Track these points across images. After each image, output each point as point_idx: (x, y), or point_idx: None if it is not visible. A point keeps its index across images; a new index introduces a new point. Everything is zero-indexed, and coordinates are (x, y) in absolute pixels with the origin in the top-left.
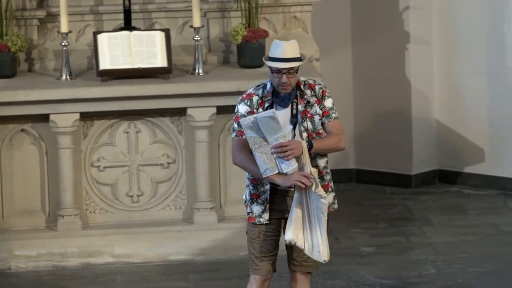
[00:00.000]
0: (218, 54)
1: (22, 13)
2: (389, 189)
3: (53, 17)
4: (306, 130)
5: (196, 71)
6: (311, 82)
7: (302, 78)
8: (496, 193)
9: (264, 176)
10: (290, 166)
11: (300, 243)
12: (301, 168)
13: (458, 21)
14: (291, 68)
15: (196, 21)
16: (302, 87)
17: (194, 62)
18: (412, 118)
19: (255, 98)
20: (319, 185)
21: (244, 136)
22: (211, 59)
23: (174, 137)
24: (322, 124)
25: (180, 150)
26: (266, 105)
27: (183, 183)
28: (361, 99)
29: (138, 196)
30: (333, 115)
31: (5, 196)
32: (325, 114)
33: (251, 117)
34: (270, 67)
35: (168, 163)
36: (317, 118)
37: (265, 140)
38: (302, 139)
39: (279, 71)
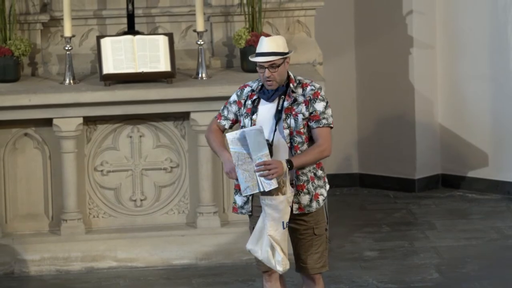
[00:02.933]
0: (221, 58)
1: (26, 17)
2: (392, 193)
3: (56, 21)
4: (289, 127)
5: (200, 75)
6: (306, 81)
7: (298, 77)
8: (499, 198)
9: (243, 195)
10: (271, 186)
11: (258, 254)
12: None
13: (461, 26)
14: (273, 63)
15: (200, 26)
16: (293, 84)
17: (198, 66)
18: (416, 122)
19: (246, 89)
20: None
21: (219, 121)
22: (214, 63)
23: (177, 141)
24: (310, 127)
25: (183, 154)
26: (254, 97)
27: (186, 187)
28: (364, 103)
29: (141, 200)
30: (324, 121)
31: (8, 200)
32: (315, 118)
33: (238, 131)
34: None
35: (171, 167)
36: (300, 117)
37: (249, 156)
38: (284, 135)
39: (261, 66)
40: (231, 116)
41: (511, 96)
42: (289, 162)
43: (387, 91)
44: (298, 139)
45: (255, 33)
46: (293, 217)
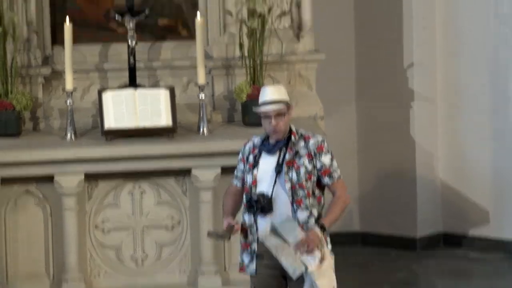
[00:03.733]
0: (222, 112)
1: (27, 70)
2: (394, 252)
3: (58, 74)
4: (290, 180)
5: (201, 130)
6: (308, 134)
7: (300, 130)
8: (501, 256)
9: (294, 277)
10: (315, 259)
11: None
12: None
13: (462, 79)
14: (279, 111)
15: (201, 79)
16: (295, 137)
17: (199, 121)
18: (417, 178)
19: (248, 145)
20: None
21: (232, 180)
22: (215, 117)
23: (178, 198)
24: (324, 183)
25: (184, 211)
26: (256, 152)
27: (188, 245)
28: (365, 158)
29: (142, 259)
30: (335, 174)
31: (9, 258)
32: (326, 172)
33: (268, 226)
34: (260, 114)
35: (173, 224)
36: (302, 170)
37: (286, 242)
38: (285, 189)
39: (267, 115)
40: (240, 174)
41: None
42: (321, 226)
43: (387, 145)
44: (300, 192)
45: (257, 87)
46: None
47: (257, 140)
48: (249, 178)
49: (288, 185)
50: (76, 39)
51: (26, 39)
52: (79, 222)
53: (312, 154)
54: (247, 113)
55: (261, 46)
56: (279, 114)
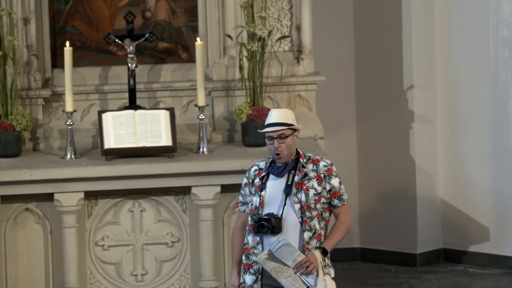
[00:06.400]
0: (222, 133)
1: (27, 93)
2: (394, 268)
3: (58, 96)
4: (299, 201)
5: (201, 149)
6: (316, 157)
7: (308, 154)
8: (501, 272)
9: None
10: (315, 277)
11: None
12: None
13: (462, 100)
14: (281, 133)
15: (201, 100)
16: (303, 159)
17: (199, 141)
18: (417, 197)
19: (253, 169)
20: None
21: (238, 209)
22: (215, 137)
23: (178, 215)
24: (333, 205)
25: (184, 229)
26: (263, 174)
27: (188, 262)
28: (365, 178)
29: (142, 275)
30: (344, 197)
31: (9, 275)
32: (336, 194)
33: (265, 251)
34: (265, 137)
35: (173, 242)
36: (312, 192)
37: (285, 264)
38: (294, 210)
39: (270, 137)
40: (246, 199)
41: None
42: (323, 249)
43: (388, 166)
44: (308, 214)
45: (256, 108)
46: None
47: (262, 163)
48: (255, 200)
49: (297, 206)
50: (76, 62)
51: (26, 62)
52: (79, 240)
53: (322, 176)
54: (247, 133)
55: (261, 68)
56: (281, 137)
